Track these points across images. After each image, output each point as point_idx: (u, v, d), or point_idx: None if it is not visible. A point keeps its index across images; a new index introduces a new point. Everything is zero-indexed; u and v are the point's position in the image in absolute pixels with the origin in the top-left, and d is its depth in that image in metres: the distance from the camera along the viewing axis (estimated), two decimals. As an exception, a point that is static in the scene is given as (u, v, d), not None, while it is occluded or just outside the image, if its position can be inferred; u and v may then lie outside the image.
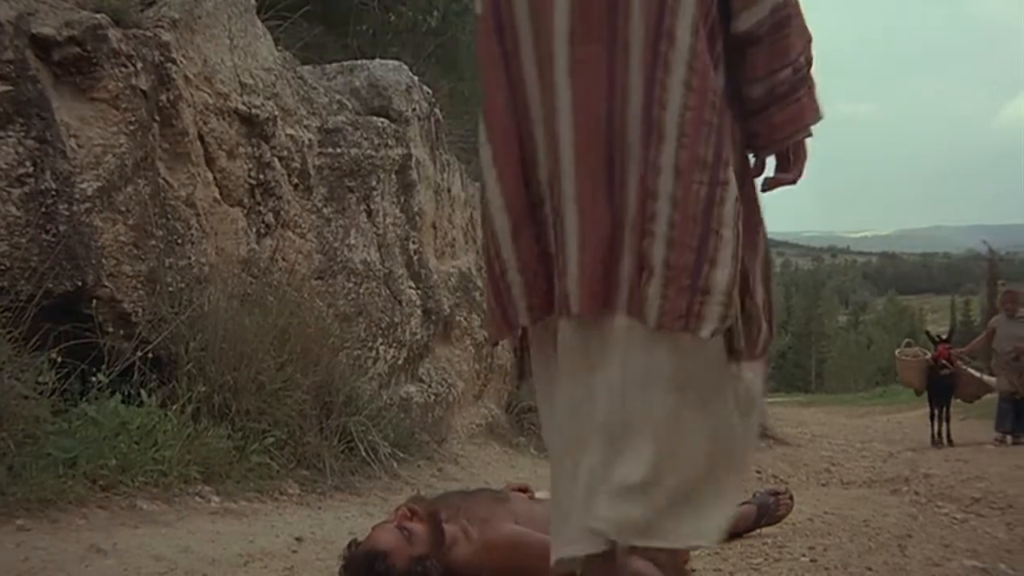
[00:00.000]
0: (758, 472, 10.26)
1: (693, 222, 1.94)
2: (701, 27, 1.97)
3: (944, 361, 13.14)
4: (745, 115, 2.13)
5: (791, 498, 4.53)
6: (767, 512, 4.38)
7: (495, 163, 2.18)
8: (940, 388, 13.27)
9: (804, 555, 3.81)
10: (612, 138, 2.01)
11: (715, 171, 1.95)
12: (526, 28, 2.11)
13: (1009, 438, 12.08)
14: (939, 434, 13.00)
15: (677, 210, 1.95)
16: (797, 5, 2.09)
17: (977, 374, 13.41)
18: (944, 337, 13.89)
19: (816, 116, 2.16)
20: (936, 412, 13.23)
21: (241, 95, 5.73)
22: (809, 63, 2.13)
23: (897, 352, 14.98)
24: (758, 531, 4.35)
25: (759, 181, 2.21)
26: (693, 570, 3.56)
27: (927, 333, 15.20)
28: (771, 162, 2.22)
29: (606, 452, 2.01)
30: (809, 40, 2.14)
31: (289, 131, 6.14)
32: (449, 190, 8.38)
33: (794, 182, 2.23)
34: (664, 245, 1.96)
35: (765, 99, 2.11)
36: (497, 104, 2.20)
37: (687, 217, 1.94)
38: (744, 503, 4.50)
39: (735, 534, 4.28)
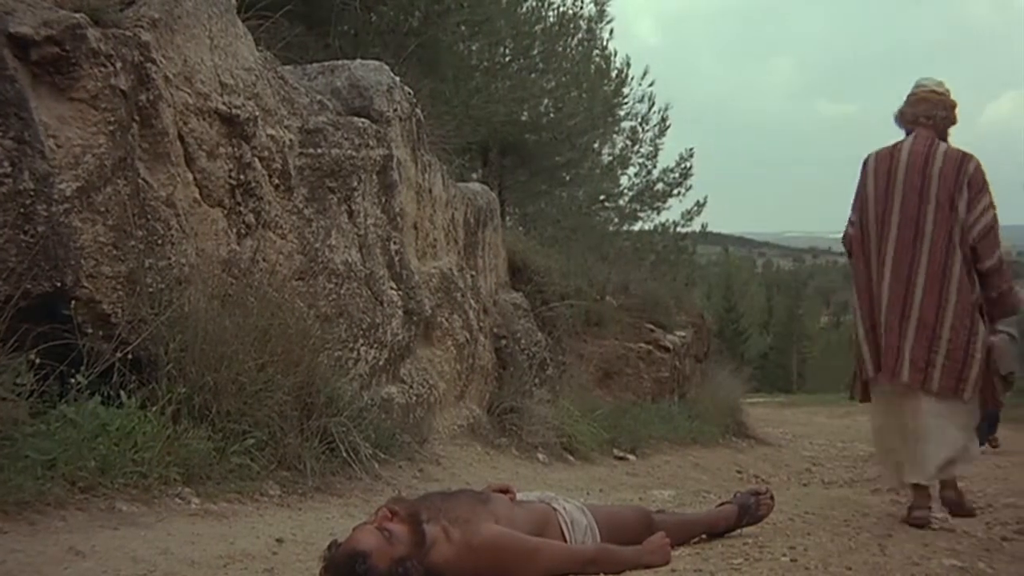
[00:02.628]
0: (739, 472, 10.32)
1: (960, 351, 4.74)
2: (963, 264, 4.74)
3: None
4: (989, 304, 4.97)
5: (772, 498, 4.55)
6: (748, 512, 4.39)
7: (857, 303, 5.07)
8: None
9: (784, 555, 3.82)
10: (906, 302, 4.78)
11: (971, 330, 4.77)
12: (875, 247, 4.95)
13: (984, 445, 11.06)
14: None
15: (951, 344, 4.73)
16: (1003, 258, 4.93)
17: None
18: None
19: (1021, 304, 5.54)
20: None
21: (221, 95, 5.70)
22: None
23: None
24: (739, 531, 4.37)
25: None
26: (673, 570, 3.57)
27: None
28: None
29: (923, 445, 4.82)
30: (1011, 276, 5.07)
31: (270, 131, 6.12)
32: (430, 190, 8.37)
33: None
34: (942, 357, 4.73)
35: (998, 298, 4.95)
36: (860, 279, 5.05)
37: (956, 347, 4.74)
38: (725, 503, 4.52)
39: (716, 534, 4.30)
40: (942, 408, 4.78)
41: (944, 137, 5.05)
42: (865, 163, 5.12)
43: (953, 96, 5.18)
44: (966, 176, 4.79)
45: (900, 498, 6.47)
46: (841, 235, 5.33)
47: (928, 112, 5.06)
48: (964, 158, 4.85)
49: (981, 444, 10.88)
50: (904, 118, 5.18)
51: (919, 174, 4.83)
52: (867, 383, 5.08)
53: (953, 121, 5.14)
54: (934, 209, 4.76)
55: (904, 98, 5.24)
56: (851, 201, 5.19)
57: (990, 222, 4.80)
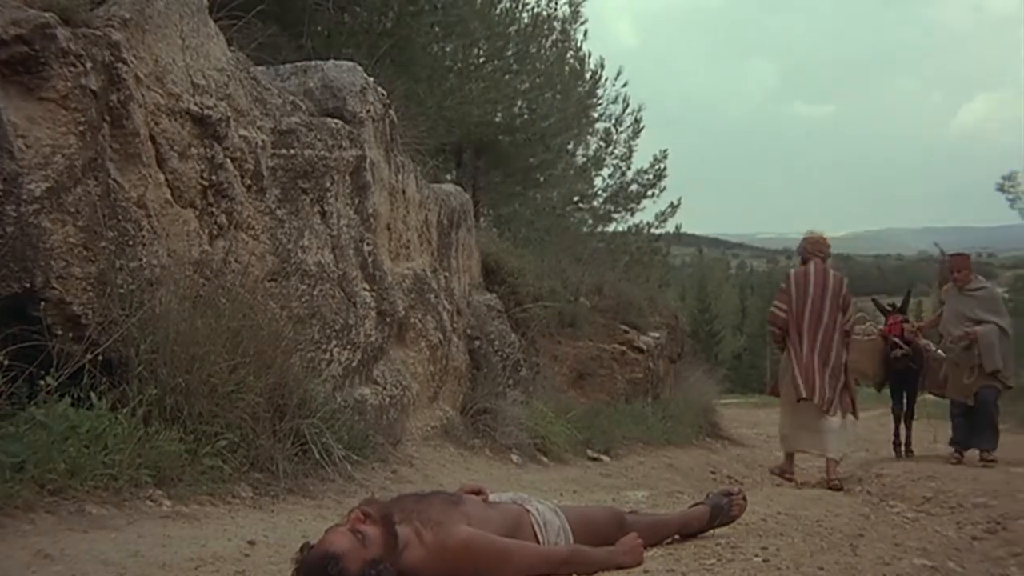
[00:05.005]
0: (713, 472, 10.35)
1: (837, 390, 8.54)
2: (840, 337, 8.61)
3: (896, 339, 10.29)
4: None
5: (744, 499, 4.55)
6: (721, 513, 4.40)
7: (791, 355, 8.69)
8: (895, 376, 10.52)
9: (757, 555, 3.83)
10: (819, 359, 8.51)
11: (838, 370, 8.55)
12: (796, 327, 8.67)
13: (963, 455, 9.49)
14: (900, 440, 10.52)
15: (838, 384, 8.56)
16: (854, 323, 9.12)
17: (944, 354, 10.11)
18: (897, 306, 10.92)
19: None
20: (896, 410, 10.61)
21: (193, 95, 5.67)
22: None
23: None
24: (711, 532, 4.37)
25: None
26: (646, 571, 3.57)
27: (874, 300, 11.86)
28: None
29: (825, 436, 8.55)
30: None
31: (242, 132, 6.09)
32: (404, 191, 8.36)
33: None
34: (829, 388, 8.48)
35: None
36: (794, 343, 8.64)
37: (835, 388, 8.53)
38: (697, 504, 4.53)
39: (689, 535, 4.31)
40: (834, 420, 8.50)
41: (826, 262, 8.90)
42: (788, 276, 9.04)
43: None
44: (842, 289, 8.68)
45: (872, 498, 6.51)
46: (770, 314, 9.14)
47: (820, 250, 8.97)
48: (842, 279, 8.76)
49: (986, 451, 9.21)
50: (805, 252, 9.03)
51: (820, 287, 8.63)
52: (775, 389, 9.50)
53: (830, 255, 9.08)
54: (829, 308, 8.58)
55: (803, 237, 9.28)
56: (779, 295, 8.96)
57: (855, 318, 9.14)
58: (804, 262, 8.96)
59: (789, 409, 8.85)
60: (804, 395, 8.42)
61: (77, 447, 4.23)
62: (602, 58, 20.29)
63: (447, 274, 9.36)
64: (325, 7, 11.59)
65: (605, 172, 22.08)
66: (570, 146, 20.56)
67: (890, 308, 10.88)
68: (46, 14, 4.70)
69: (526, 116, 18.03)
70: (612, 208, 22.35)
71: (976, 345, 9.48)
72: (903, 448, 10.49)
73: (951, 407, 9.85)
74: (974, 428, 9.54)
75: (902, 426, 10.60)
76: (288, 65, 7.72)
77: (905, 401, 10.56)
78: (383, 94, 8.14)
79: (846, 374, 8.67)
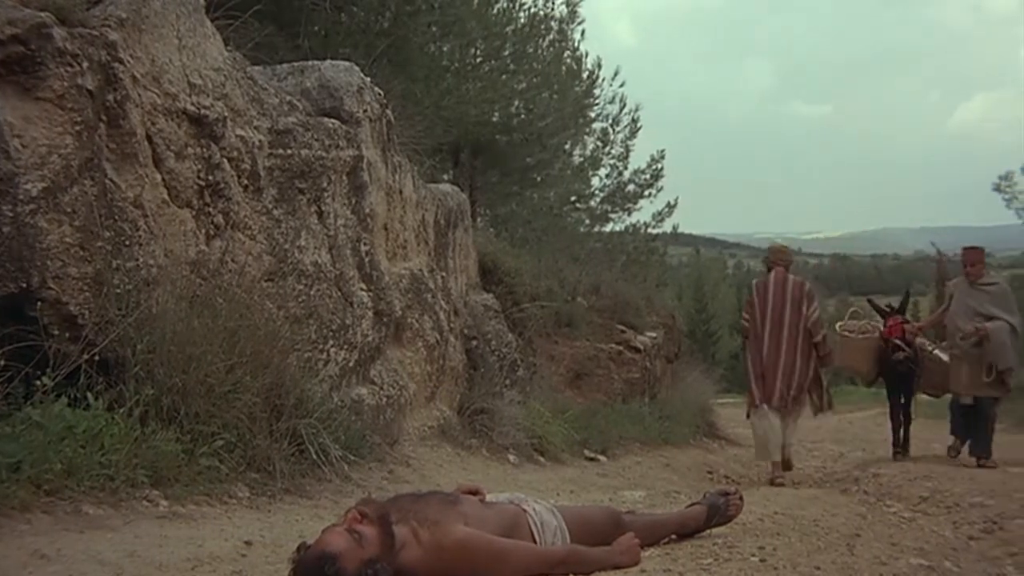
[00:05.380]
0: (710, 472, 10.35)
1: (799, 390, 9.34)
2: (804, 340, 9.29)
3: (897, 340, 10.13)
4: (820, 358, 9.55)
5: (741, 498, 4.56)
6: (717, 512, 4.41)
7: (751, 363, 9.53)
8: (893, 377, 10.38)
9: (754, 555, 3.83)
10: (777, 364, 9.26)
11: (803, 375, 9.33)
12: (758, 334, 9.43)
13: (963, 448, 9.66)
14: (898, 442, 10.36)
15: (796, 384, 9.31)
16: (824, 331, 9.56)
17: (944, 356, 10.05)
18: (896, 307, 10.73)
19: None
20: (893, 411, 10.50)
21: (190, 95, 5.66)
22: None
23: (838, 326, 10.98)
24: (708, 531, 4.38)
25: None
26: (643, 571, 3.57)
27: (870, 301, 11.45)
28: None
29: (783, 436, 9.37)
30: (829, 345, 9.79)
31: (239, 132, 6.08)
32: (401, 191, 8.35)
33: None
34: (794, 392, 9.32)
35: (824, 356, 9.53)
36: (753, 350, 9.48)
37: (800, 389, 9.36)
38: (694, 503, 4.54)
39: (686, 534, 4.31)
40: (789, 420, 9.37)
41: (788, 270, 9.59)
42: (750, 286, 9.86)
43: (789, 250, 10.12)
44: (803, 293, 9.33)
45: (869, 498, 6.51)
46: (740, 326, 10.33)
47: (782, 259, 9.71)
48: (802, 283, 9.53)
49: (981, 457, 9.11)
50: (769, 260, 9.84)
51: (781, 294, 9.34)
52: (753, 405, 9.47)
53: (792, 262, 9.80)
54: (790, 312, 9.25)
55: (768, 247, 10.31)
56: (745, 307, 9.94)
57: (817, 317, 9.38)
58: (768, 271, 9.72)
59: (756, 417, 9.51)
60: (758, 401, 9.33)
61: (73, 447, 4.22)
62: (599, 58, 20.33)
63: (444, 274, 9.35)
64: (322, 7, 11.59)
65: (602, 172, 22.08)
66: (567, 146, 20.55)
67: (888, 309, 10.67)
68: (42, 14, 4.68)
69: (523, 116, 18.01)
70: (609, 208, 22.34)
71: (987, 342, 9.28)
72: (901, 448, 10.32)
73: (952, 400, 9.84)
74: (969, 428, 9.55)
75: (898, 427, 10.46)
76: (285, 65, 7.71)
77: (903, 402, 10.43)
78: (380, 94, 8.13)
79: (816, 373, 9.49)
